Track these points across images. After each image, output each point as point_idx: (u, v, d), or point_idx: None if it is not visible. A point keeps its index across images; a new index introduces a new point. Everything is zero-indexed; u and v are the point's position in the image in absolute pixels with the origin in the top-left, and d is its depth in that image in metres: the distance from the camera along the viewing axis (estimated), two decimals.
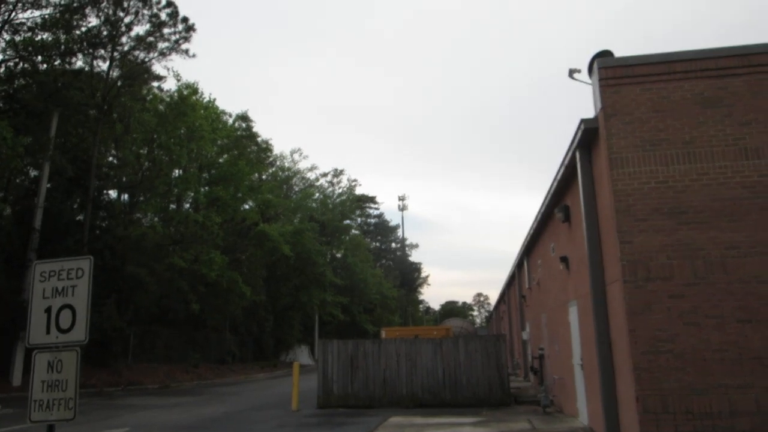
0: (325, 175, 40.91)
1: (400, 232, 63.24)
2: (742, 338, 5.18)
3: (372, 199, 57.28)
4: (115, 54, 16.67)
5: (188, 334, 20.33)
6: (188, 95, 20.58)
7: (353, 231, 43.50)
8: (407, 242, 63.29)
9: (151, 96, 19.68)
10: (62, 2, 14.59)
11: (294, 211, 31.69)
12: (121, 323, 15.76)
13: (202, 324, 21.44)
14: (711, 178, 5.55)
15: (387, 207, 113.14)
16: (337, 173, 42.45)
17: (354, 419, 8.34)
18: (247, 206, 25.35)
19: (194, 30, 17.06)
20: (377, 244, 58.97)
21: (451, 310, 77.43)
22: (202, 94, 22.40)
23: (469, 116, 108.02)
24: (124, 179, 18.83)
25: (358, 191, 46.67)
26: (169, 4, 16.62)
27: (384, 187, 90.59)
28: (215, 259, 19.57)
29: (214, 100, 23.30)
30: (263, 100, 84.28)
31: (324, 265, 30.81)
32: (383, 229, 59.37)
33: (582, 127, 6.25)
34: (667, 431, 5.10)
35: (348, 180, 43.55)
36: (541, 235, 10.67)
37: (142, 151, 19.84)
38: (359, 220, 56.27)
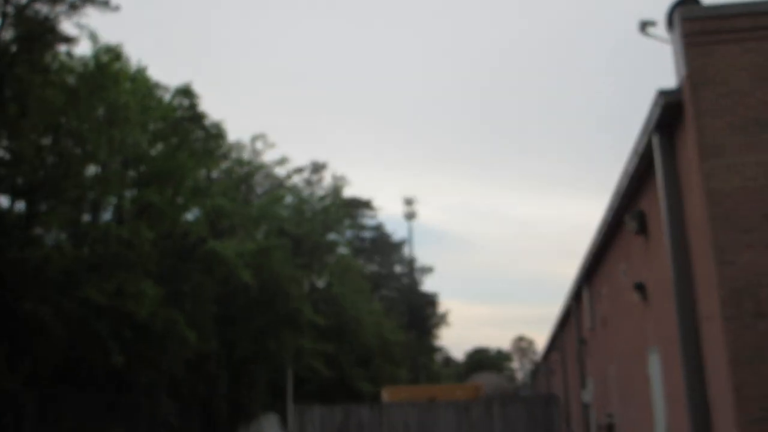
0: (300, 170, 41.64)
1: (406, 250, 64.32)
2: None
3: (367, 204, 58.23)
4: (8, 9, 16.34)
5: (108, 398, 20.08)
6: (109, 62, 20.05)
7: (341, 249, 44.32)
8: (417, 264, 63.16)
9: (57, 65, 19.07)
10: None
11: (257, 221, 31.91)
12: (14, 384, 15.56)
13: (129, 384, 21.14)
14: None
15: (388, 214, 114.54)
16: (318, 168, 43.71)
17: None
18: (191, 215, 25.44)
19: None
20: (375, 267, 59.62)
21: (481, 361, 77.26)
22: (129, 60, 22.01)
23: (500, 93, 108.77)
24: (19, 181, 18.42)
25: (348, 193, 48.64)
26: None
27: (384, 188, 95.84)
28: (146, 292, 19.47)
29: (145, 68, 23.01)
30: (215, 68, 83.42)
31: (300, 298, 30.98)
32: (383, 247, 60.55)
33: (660, 101, 6.15)
34: None
35: (333, 177, 43.99)
36: (606, 252, 10.51)
37: (44, 140, 19.34)
38: (349, 233, 56.69)
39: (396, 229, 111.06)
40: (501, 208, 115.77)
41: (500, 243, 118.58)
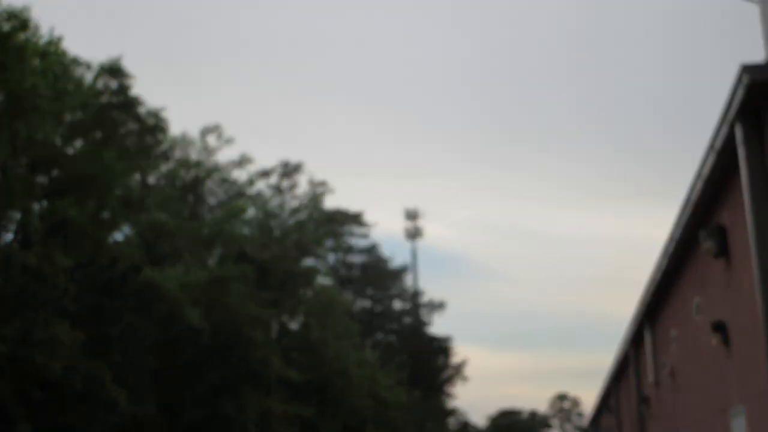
0: (267, 174, 41.55)
1: (409, 280, 64.59)
2: None
3: (357, 219, 59.16)
4: None
5: None
6: (11, 33, 19.85)
7: (321, 279, 44.95)
8: (423, 299, 63.73)
9: None
10: None
11: (209, 242, 31.96)
12: None
13: None
14: None
15: (385, 233, 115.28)
16: (290, 171, 43.62)
17: None
18: (120, 236, 25.58)
19: None
20: (367, 302, 60.86)
21: (511, 427, 78.39)
22: (39, 30, 21.32)
23: (528, 79, 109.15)
24: None
25: (331, 204, 48.70)
26: None
27: (379, 198, 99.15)
28: (61, 338, 19.39)
29: (60, 40, 22.62)
30: (150, 40, 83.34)
31: (267, 345, 30.91)
32: (378, 276, 61.10)
33: (745, 80, 6.09)
34: None
35: (310, 184, 44.40)
36: (674, 282, 10.52)
37: None
38: (333, 257, 57.09)
39: (395, 251, 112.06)
40: (530, 225, 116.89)
41: (531, 270, 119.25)
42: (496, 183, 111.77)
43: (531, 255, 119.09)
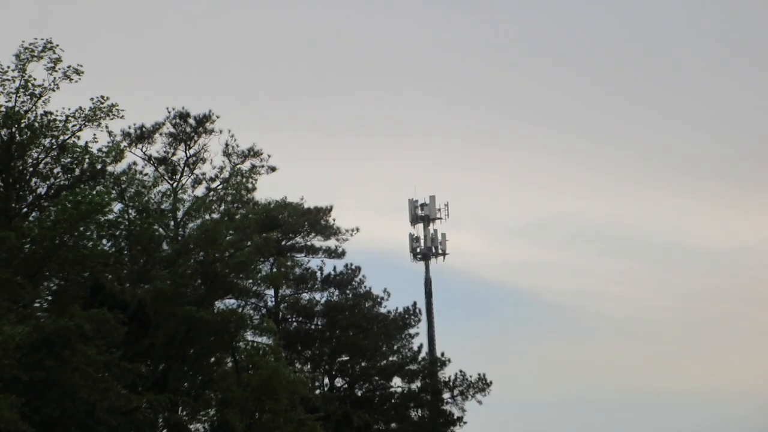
0: (148, 135, 49.19)
1: (419, 332, 71.33)
2: None
3: (323, 216, 66.77)
4: None
5: None
6: None
7: (254, 335, 50.50)
8: (446, 371, 69.66)
9: None
10: None
11: (36, 265, 34.53)
12: None
13: None
14: None
15: (375, 241, 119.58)
16: (189, 130, 51.10)
17: None
18: None
19: None
20: (343, 379, 65.83)
21: None
22: None
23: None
24: None
25: (278, 192, 55.14)
26: None
27: (364, 191, 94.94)
28: None
29: None
30: None
31: None
32: (362, 327, 66.81)
33: None
34: None
35: (231, 153, 49.93)
36: None
37: None
38: (271, 300, 63.74)
39: (394, 282, 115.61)
40: (628, 228, 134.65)
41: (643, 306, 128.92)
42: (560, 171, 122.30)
43: (636, 276, 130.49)
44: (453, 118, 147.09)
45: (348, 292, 67.51)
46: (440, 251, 78.75)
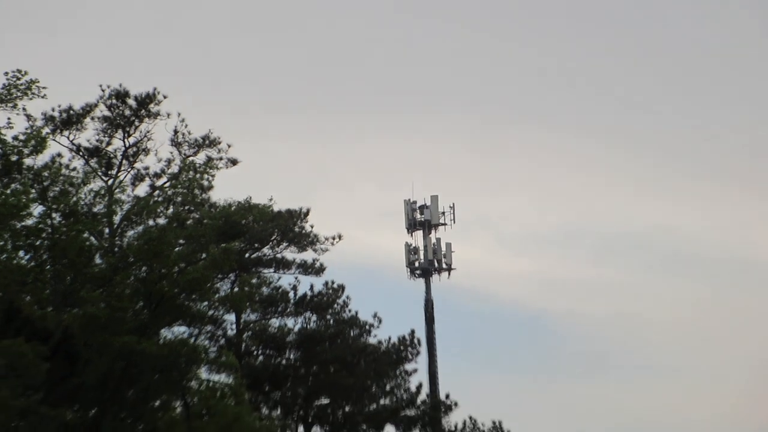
0: (74, 120, 50.34)
1: (418, 367, 71.95)
2: None
3: (298, 222, 68.03)
4: None
5: None
6: None
7: (209, 372, 52.05)
8: (455, 422, 69.86)
9: None
10: None
11: None
12: None
13: None
14: None
15: (363, 253, 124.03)
16: (136, 112, 53.52)
17: None
18: None
19: None
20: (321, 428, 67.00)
21: None
22: None
23: None
24: None
25: (234, 186, 58.32)
26: None
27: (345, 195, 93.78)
28: None
29: None
30: None
31: None
32: (350, 351, 67.48)
33: None
34: None
35: (182, 141, 54.74)
36: None
37: None
38: (232, 328, 64.55)
39: (384, 302, 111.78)
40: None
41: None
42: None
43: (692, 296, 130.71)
44: (461, 97, 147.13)
45: (328, 317, 66.96)
46: (444, 265, 78.83)
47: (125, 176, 52.18)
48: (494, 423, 68.28)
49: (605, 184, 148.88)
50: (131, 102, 52.53)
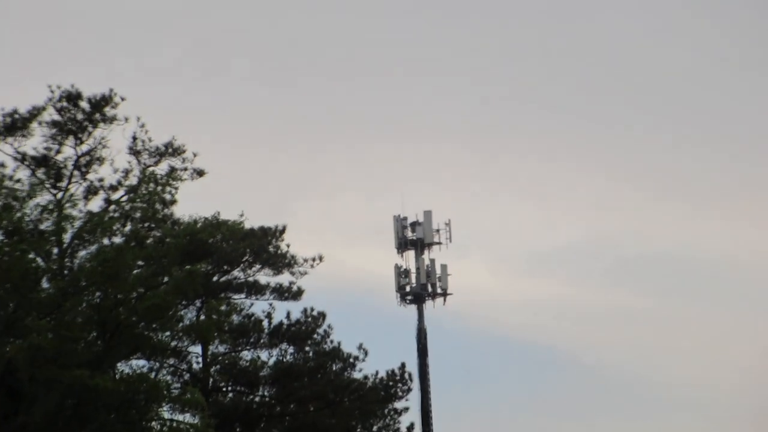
0: (13, 124, 51.14)
1: (409, 405, 73.04)
2: None
3: (273, 240, 68.66)
4: None
5: None
6: None
7: (171, 410, 51.30)
8: None
9: None
10: None
11: None
12: None
13: None
14: None
15: (346, 276, 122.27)
16: (90, 116, 54.14)
17: None
18: None
19: None
20: None
21: None
22: None
23: None
24: None
25: (201, 200, 57.65)
26: None
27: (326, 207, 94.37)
28: None
29: None
30: None
31: None
32: (332, 387, 68.17)
33: None
34: None
35: (142, 149, 55.08)
36: None
37: None
38: (198, 361, 64.85)
39: (371, 331, 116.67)
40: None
41: None
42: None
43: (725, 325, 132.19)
44: (456, 101, 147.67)
45: (307, 349, 66.84)
46: (439, 290, 79.14)
47: (77, 189, 51.68)
48: None
49: (624, 197, 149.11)
50: (84, 105, 52.13)
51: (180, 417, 49.39)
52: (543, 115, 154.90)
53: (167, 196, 51.93)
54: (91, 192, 52.06)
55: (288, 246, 66.45)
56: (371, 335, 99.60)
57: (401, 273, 78.77)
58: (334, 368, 67.21)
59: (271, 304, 66.61)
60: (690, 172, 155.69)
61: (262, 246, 65.12)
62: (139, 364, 50.21)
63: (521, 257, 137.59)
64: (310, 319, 66.89)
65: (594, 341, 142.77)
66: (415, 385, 70.94)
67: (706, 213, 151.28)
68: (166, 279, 47.43)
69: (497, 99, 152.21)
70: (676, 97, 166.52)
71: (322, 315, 67.63)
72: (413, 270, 78.60)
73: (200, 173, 54.43)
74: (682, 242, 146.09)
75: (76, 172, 51.61)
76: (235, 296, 65.43)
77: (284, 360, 66.31)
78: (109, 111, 52.23)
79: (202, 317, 57.06)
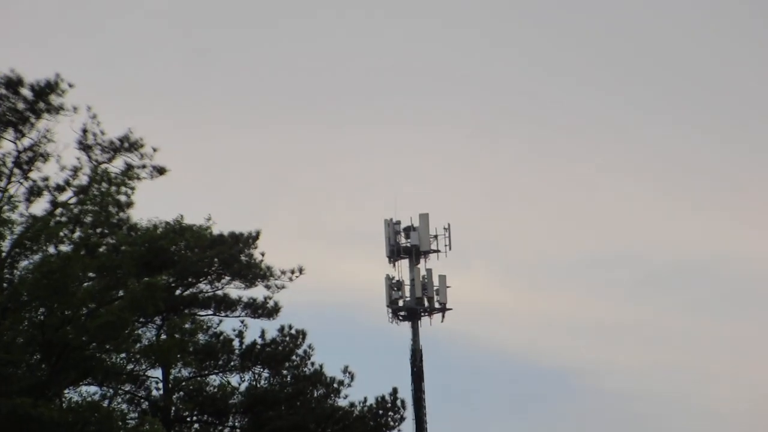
0: None
1: None
2: None
3: (245, 248, 69.46)
4: None
5: None
6: None
7: None
8: None
9: None
10: None
11: None
12: None
13: None
14: None
15: (330, 289, 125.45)
16: (32, 105, 53.95)
17: None
18: None
19: None
20: None
21: None
22: None
23: None
24: None
25: (161, 202, 57.83)
26: None
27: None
28: None
29: None
30: None
31: None
32: (313, 416, 68.87)
33: None
34: None
35: (94, 144, 54.94)
36: None
37: None
38: (158, 387, 65.45)
39: (358, 353, 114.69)
40: None
41: None
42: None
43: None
44: (456, 90, 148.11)
45: (285, 372, 66.91)
46: (437, 305, 79.29)
47: (17, 189, 51.55)
48: None
49: (651, 198, 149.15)
50: (26, 92, 51.88)
51: None
52: (559, 106, 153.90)
53: (122, 198, 51.62)
54: (34, 193, 51.73)
55: (263, 255, 66.35)
56: (358, 357, 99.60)
57: (393, 285, 78.74)
58: (315, 395, 67.38)
59: (242, 322, 66.59)
60: (724, 176, 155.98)
61: (232, 255, 64.97)
62: (89, 390, 50.10)
63: (532, 268, 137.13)
64: (287, 339, 66.86)
65: (610, 360, 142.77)
66: (409, 413, 71.11)
67: (744, 222, 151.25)
68: (120, 293, 47.30)
69: (510, 83, 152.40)
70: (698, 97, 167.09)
71: (302, 334, 67.68)
72: (407, 282, 78.69)
73: (161, 171, 53.94)
74: (716, 253, 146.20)
75: (16, 170, 51.36)
76: (202, 312, 65.33)
77: (258, 385, 66.36)
78: (55, 99, 51.87)
79: (163, 336, 56.85)
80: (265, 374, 66.75)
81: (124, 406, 56.54)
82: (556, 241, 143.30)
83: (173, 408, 62.75)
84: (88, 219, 50.74)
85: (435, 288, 78.89)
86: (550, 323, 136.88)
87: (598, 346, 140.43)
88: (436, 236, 79.80)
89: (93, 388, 51.44)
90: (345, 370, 67.90)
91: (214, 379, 66.13)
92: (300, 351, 67.00)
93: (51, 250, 47.77)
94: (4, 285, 46.56)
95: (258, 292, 66.64)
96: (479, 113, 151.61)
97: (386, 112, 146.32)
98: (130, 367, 55.22)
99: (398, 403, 68.99)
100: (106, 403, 50.13)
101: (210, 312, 65.38)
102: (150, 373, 61.26)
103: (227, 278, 65.43)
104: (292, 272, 66.70)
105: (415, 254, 79.15)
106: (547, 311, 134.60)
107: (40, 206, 51.07)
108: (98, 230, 50.92)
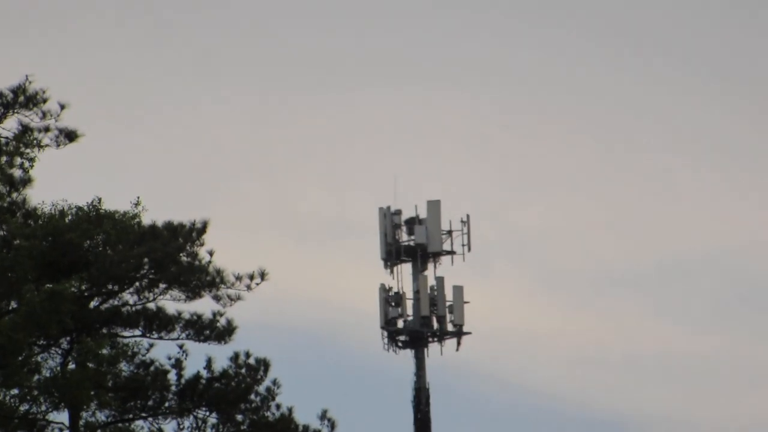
0: None
1: None
2: None
3: (187, 245, 69.92)
4: None
5: None
6: None
7: None
8: None
9: None
10: None
11: None
12: None
13: None
14: None
15: (303, 302, 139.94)
16: None
17: None
18: None
19: None
20: None
21: None
22: None
23: None
24: None
25: (72, 179, 59.26)
26: None
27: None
28: None
29: None
30: None
31: None
32: None
33: None
34: None
35: None
36: None
37: None
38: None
39: (341, 391, 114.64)
40: None
41: None
42: None
43: None
44: (470, 55, 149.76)
45: (240, 417, 67.24)
46: (450, 326, 79.45)
47: None
48: None
49: (730, 189, 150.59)
50: None
51: None
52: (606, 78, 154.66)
53: (17, 172, 51.98)
54: None
55: (211, 254, 65.97)
56: (342, 398, 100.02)
57: (390, 299, 78.63)
58: None
59: (182, 347, 66.38)
60: None
61: (169, 253, 64.48)
62: None
63: (579, 277, 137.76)
64: (243, 371, 67.03)
65: (677, 407, 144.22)
66: None
67: None
68: (13, 304, 47.68)
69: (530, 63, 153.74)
70: None
71: (264, 364, 67.64)
72: (409, 294, 78.36)
73: (71, 136, 54.16)
74: None
75: None
76: (126, 333, 65.17)
77: None
78: None
79: (72, 366, 57.12)
80: (213, 419, 66.83)
81: None
82: (613, 242, 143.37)
83: None
84: None
85: (448, 304, 78.76)
86: (603, 356, 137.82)
87: (673, 389, 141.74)
88: (449, 232, 79.51)
89: None
90: (323, 416, 68.25)
91: (142, 426, 66.29)
92: (261, 388, 67.02)
93: None
94: None
95: (204, 305, 66.56)
96: (510, 69, 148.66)
97: (379, 70, 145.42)
98: (23, 408, 55.41)
99: None
100: None
101: (137, 332, 65.09)
102: (52, 416, 60.99)
103: (162, 286, 65.02)
104: (251, 278, 66.55)
105: (420, 257, 78.56)
106: (601, 338, 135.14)
107: None
108: None
